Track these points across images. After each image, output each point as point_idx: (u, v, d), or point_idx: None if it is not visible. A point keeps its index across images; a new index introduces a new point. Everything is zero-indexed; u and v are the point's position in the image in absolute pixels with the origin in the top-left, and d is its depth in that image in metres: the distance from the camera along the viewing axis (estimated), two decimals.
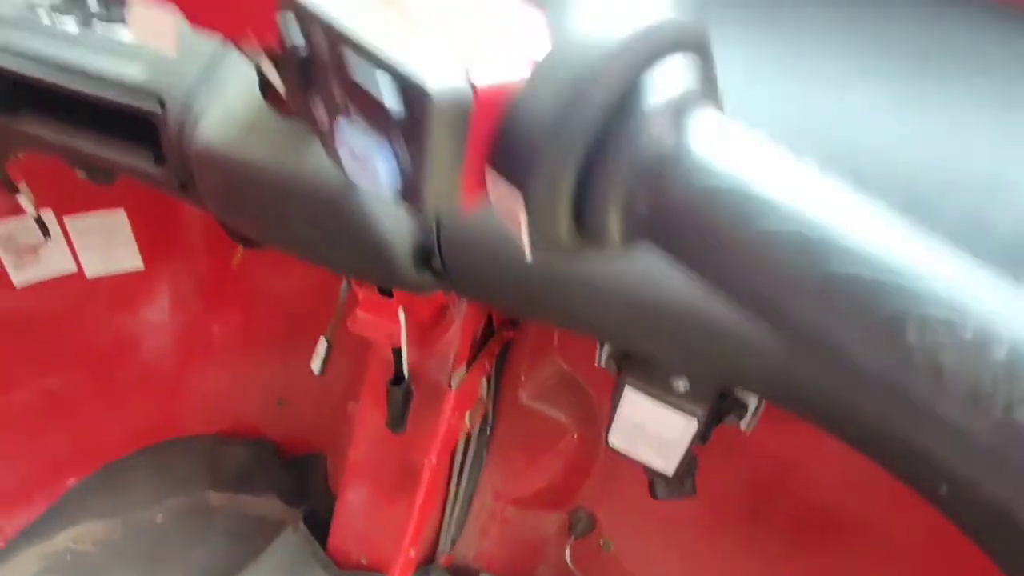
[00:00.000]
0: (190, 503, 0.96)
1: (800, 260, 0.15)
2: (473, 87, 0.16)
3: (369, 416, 0.74)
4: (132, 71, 0.45)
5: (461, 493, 0.80)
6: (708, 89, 0.17)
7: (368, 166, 0.17)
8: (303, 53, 0.19)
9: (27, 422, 0.89)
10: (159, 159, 0.47)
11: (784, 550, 0.75)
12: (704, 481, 0.61)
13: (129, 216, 0.86)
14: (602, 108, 0.16)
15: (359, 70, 0.17)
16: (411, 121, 0.16)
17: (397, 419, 0.70)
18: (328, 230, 0.39)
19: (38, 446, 0.91)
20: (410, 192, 0.17)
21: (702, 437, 0.48)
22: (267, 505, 0.95)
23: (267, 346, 0.96)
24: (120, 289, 0.90)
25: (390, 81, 0.16)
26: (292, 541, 0.84)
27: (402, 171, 0.17)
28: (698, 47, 0.17)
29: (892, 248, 0.14)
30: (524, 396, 0.84)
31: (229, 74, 0.42)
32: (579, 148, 0.16)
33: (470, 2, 0.18)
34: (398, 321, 0.58)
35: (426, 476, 0.68)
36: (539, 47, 0.17)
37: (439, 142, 0.16)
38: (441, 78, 0.16)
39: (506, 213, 0.17)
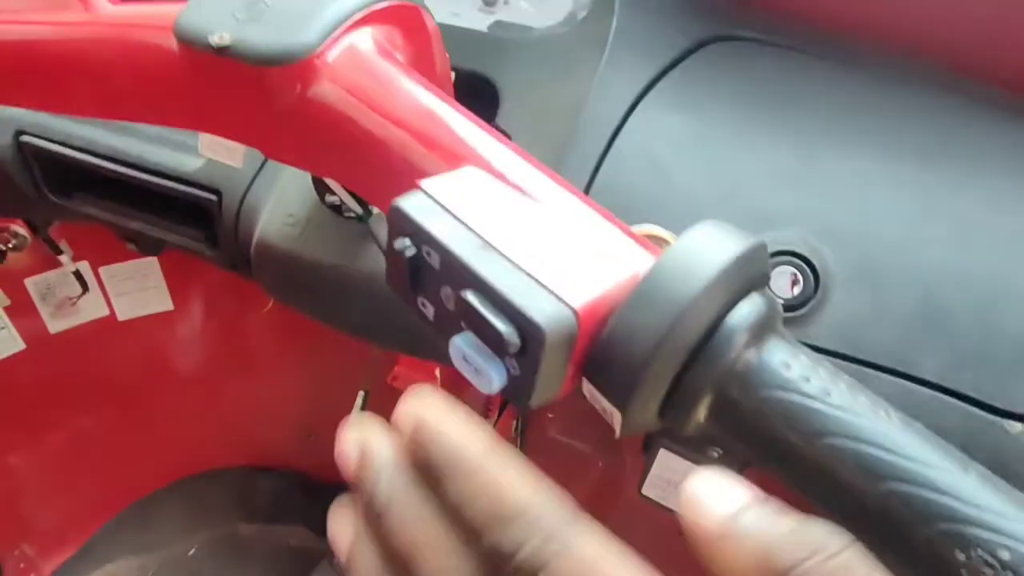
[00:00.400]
0: (222, 536, 0.98)
1: (856, 474, 0.17)
2: (575, 311, 0.19)
3: None
4: (189, 161, 0.48)
5: None
6: (777, 317, 0.20)
7: (481, 374, 0.19)
8: (410, 254, 0.21)
9: (62, 462, 0.92)
10: (212, 241, 0.50)
11: None
12: None
13: (161, 260, 0.88)
14: (696, 336, 0.19)
15: (475, 298, 0.19)
16: (524, 347, 0.18)
17: None
18: (384, 319, 0.42)
19: (72, 485, 0.93)
20: (518, 396, 0.20)
21: None
22: (299, 536, 0.97)
23: (295, 379, 0.99)
24: (150, 329, 0.93)
25: (503, 314, 0.19)
26: (328, 573, 0.86)
27: (512, 379, 0.19)
28: (768, 281, 0.20)
29: (940, 470, 0.17)
30: (552, 431, 0.86)
31: (286, 169, 0.44)
32: (673, 369, 0.19)
33: (562, 224, 0.21)
34: (435, 377, 0.60)
35: None
36: (636, 264, 0.20)
37: (549, 364, 0.19)
38: (548, 309, 0.19)
39: (600, 405, 0.20)
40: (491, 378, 0.19)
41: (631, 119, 0.41)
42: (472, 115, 0.27)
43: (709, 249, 0.19)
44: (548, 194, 0.23)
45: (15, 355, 0.82)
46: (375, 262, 0.40)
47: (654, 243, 0.26)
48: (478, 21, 0.49)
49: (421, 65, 0.36)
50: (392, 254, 0.22)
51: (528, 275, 0.19)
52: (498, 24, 0.48)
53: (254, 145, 0.33)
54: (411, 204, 0.21)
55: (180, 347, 0.95)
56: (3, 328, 0.80)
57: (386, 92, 0.27)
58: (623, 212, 0.39)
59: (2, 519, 0.89)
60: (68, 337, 0.85)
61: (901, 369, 0.34)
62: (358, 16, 0.29)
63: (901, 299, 0.35)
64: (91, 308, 0.84)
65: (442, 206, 0.21)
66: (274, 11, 0.28)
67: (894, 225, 0.36)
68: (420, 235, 0.21)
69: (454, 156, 0.25)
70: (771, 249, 0.36)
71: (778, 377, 0.19)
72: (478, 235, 0.20)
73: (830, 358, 0.35)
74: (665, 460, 0.50)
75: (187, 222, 0.51)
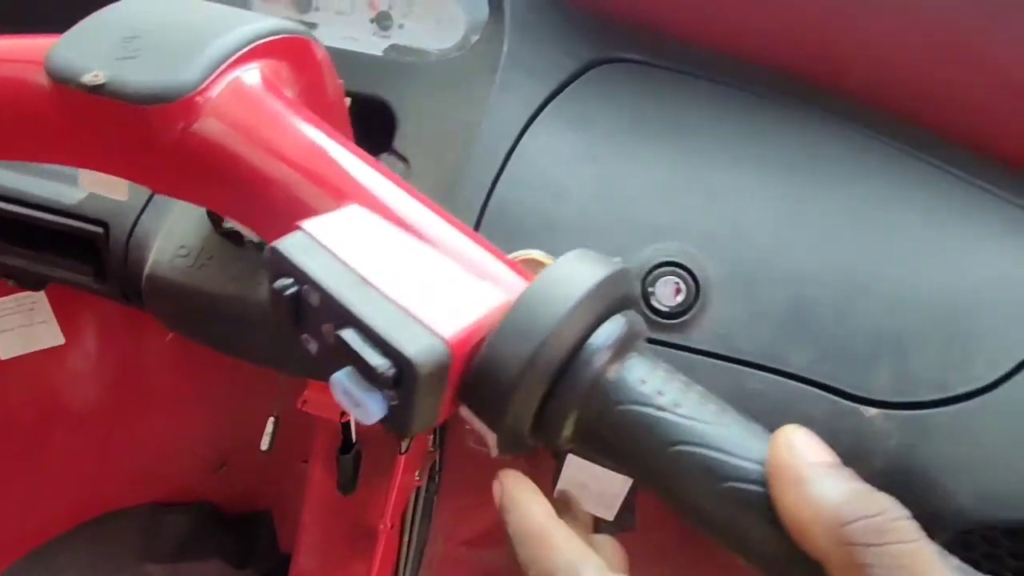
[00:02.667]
0: None
1: (701, 475, 0.20)
2: (446, 341, 0.20)
3: (320, 479, 0.75)
4: (72, 193, 0.46)
5: (414, 544, 0.83)
6: (638, 336, 0.22)
7: (361, 407, 0.20)
8: (290, 293, 0.22)
9: None
10: (100, 275, 0.48)
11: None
12: (644, 514, 0.67)
13: (49, 292, 0.83)
14: (560, 359, 0.20)
15: (351, 335, 0.20)
16: (400, 379, 0.19)
17: (348, 483, 0.72)
18: (288, 348, 0.42)
19: None
20: (398, 425, 0.21)
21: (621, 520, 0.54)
22: (213, 571, 0.93)
23: (202, 410, 0.95)
24: (40, 366, 0.87)
25: (377, 349, 0.20)
26: None
27: (391, 410, 0.20)
28: (633, 303, 0.22)
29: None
30: (470, 441, 0.87)
31: (176, 202, 0.43)
32: (540, 391, 0.20)
33: (433, 259, 0.22)
34: None
35: (382, 541, 0.70)
36: (509, 292, 0.21)
37: (424, 393, 0.20)
38: (420, 342, 0.20)
39: (476, 426, 0.21)
40: (370, 411, 0.20)
41: (523, 141, 0.43)
42: (358, 150, 0.28)
43: (573, 277, 0.21)
44: (429, 227, 0.24)
45: None
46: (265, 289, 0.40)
47: (534, 268, 0.28)
48: (373, 45, 0.49)
49: (312, 96, 0.36)
50: (273, 293, 0.22)
51: (402, 309, 0.20)
52: (393, 48, 0.49)
53: (137, 181, 0.33)
54: (289, 245, 0.22)
55: (75, 383, 0.90)
56: None
57: (271, 128, 0.28)
58: (517, 232, 0.41)
59: None
60: None
61: (772, 365, 0.37)
62: (242, 52, 0.29)
63: (772, 301, 0.38)
64: None
65: (321, 245, 0.22)
66: (154, 47, 0.28)
67: (765, 233, 0.40)
68: (298, 275, 0.21)
69: (338, 192, 0.26)
70: (656, 260, 0.39)
71: (634, 392, 0.21)
72: (355, 272, 0.21)
73: (710, 358, 0.38)
74: (574, 462, 0.53)
75: (71, 255, 0.48)
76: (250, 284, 0.40)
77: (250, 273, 0.40)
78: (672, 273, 0.38)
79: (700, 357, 0.38)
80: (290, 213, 0.27)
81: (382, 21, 0.49)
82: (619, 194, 0.41)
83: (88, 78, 0.27)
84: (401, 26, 0.50)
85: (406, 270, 0.22)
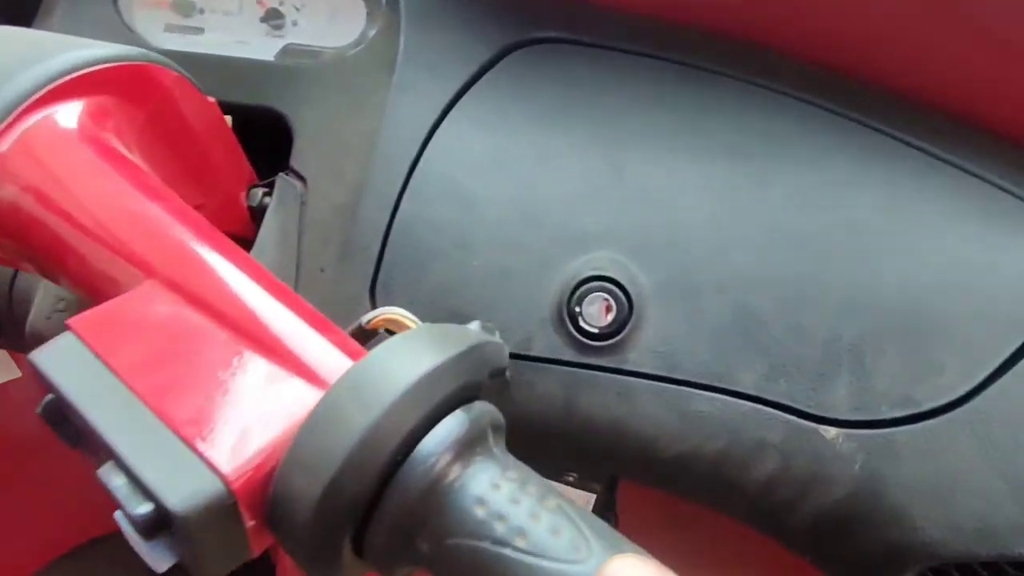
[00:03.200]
0: None
1: None
2: (226, 479, 0.16)
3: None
4: None
5: None
6: (481, 435, 0.18)
7: (146, 555, 0.16)
8: (51, 411, 0.18)
9: None
10: None
11: (707, 546, 0.79)
12: (625, 495, 0.63)
13: None
14: (367, 486, 0.16)
15: (111, 475, 0.16)
16: (169, 526, 0.15)
17: None
18: None
19: None
20: (195, 570, 0.16)
21: (607, 505, 0.50)
22: None
23: None
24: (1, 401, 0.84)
25: (139, 492, 0.15)
26: None
27: (181, 555, 0.16)
28: (476, 391, 0.18)
29: None
30: None
31: None
32: (346, 525, 0.16)
33: (219, 368, 0.18)
34: None
35: None
36: (299, 409, 0.17)
37: (209, 539, 0.15)
38: (189, 486, 0.15)
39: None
40: (154, 560, 0.16)
41: (429, 148, 0.38)
42: (176, 205, 0.24)
43: (391, 371, 0.16)
44: (238, 306, 0.20)
45: None
46: None
47: (395, 327, 0.23)
48: (266, 47, 0.44)
49: (162, 128, 0.31)
50: (41, 410, 0.18)
51: (175, 437, 0.16)
52: (287, 50, 0.44)
53: None
54: (47, 355, 0.18)
55: (34, 415, 0.87)
56: None
57: (66, 188, 0.23)
58: (426, 255, 0.36)
59: None
60: None
61: (719, 385, 0.33)
62: (38, 95, 0.25)
63: (715, 311, 0.34)
64: None
65: (89, 351, 0.18)
66: None
67: (704, 233, 0.35)
68: (56, 394, 0.17)
69: (141, 263, 0.21)
70: (582, 275, 0.34)
71: (469, 523, 0.16)
72: (124, 388, 0.17)
73: (650, 380, 0.34)
74: None
75: None
76: None
77: None
78: (601, 289, 0.34)
79: (638, 380, 0.34)
80: (98, 288, 0.23)
81: (272, 20, 0.44)
82: (538, 201, 0.36)
83: None
84: (295, 23, 0.44)
85: (194, 375, 0.17)
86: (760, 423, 0.33)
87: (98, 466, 0.18)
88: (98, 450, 0.17)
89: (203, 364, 0.18)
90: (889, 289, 0.32)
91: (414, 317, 0.23)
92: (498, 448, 0.18)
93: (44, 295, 0.38)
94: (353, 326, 0.24)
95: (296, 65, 0.42)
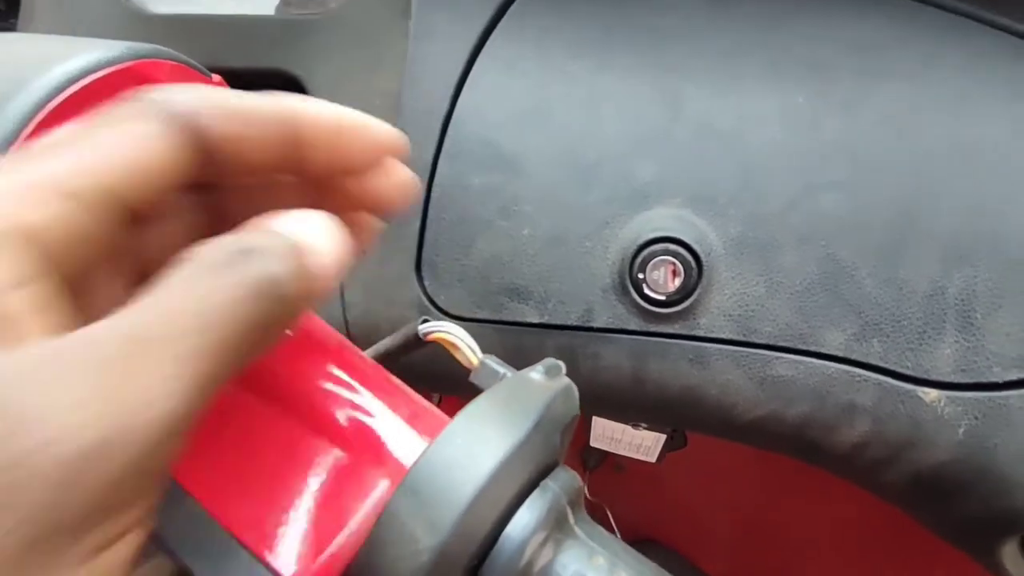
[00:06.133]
0: None
1: None
2: None
3: None
4: None
5: None
6: (566, 513, 0.16)
7: None
8: None
9: None
10: None
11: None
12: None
13: None
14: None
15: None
16: None
17: None
18: None
19: None
20: None
21: (672, 442, 0.49)
22: None
23: None
24: None
25: None
26: None
27: None
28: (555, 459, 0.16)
29: None
30: None
31: None
32: None
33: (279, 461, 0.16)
34: None
35: None
36: (369, 500, 0.15)
37: None
38: None
39: None
40: None
41: (460, 102, 0.34)
42: None
43: (463, 467, 0.15)
44: (292, 383, 0.18)
45: None
46: None
47: (451, 349, 0.21)
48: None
49: None
50: None
51: (239, 545, 0.15)
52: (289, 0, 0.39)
53: None
54: None
55: None
56: None
57: None
58: (470, 224, 0.33)
59: None
60: None
61: (802, 347, 0.30)
62: (31, 128, 0.22)
63: (797, 266, 0.30)
64: None
65: None
66: None
67: (781, 174, 0.31)
68: None
69: None
70: (644, 238, 0.31)
71: None
72: (178, 485, 0.16)
73: (725, 345, 0.31)
74: (600, 423, 0.48)
75: None
76: None
77: None
78: (665, 252, 0.30)
79: (711, 345, 0.31)
80: None
81: None
82: (588, 153, 0.32)
83: None
84: None
85: (248, 466, 0.16)
86: (849, 386, 0.30)
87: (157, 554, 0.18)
88: (158, 543, 0.17)
89: (257, 453, 0.17)
90: (1011, 232, 0.27)
91: (475, 345, 0.20)
92: (580, 524, 0.17)
93: None
94: (408, 331, 0.22)
95: (301, 18, 0.38)
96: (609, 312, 0.32)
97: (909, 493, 0.31)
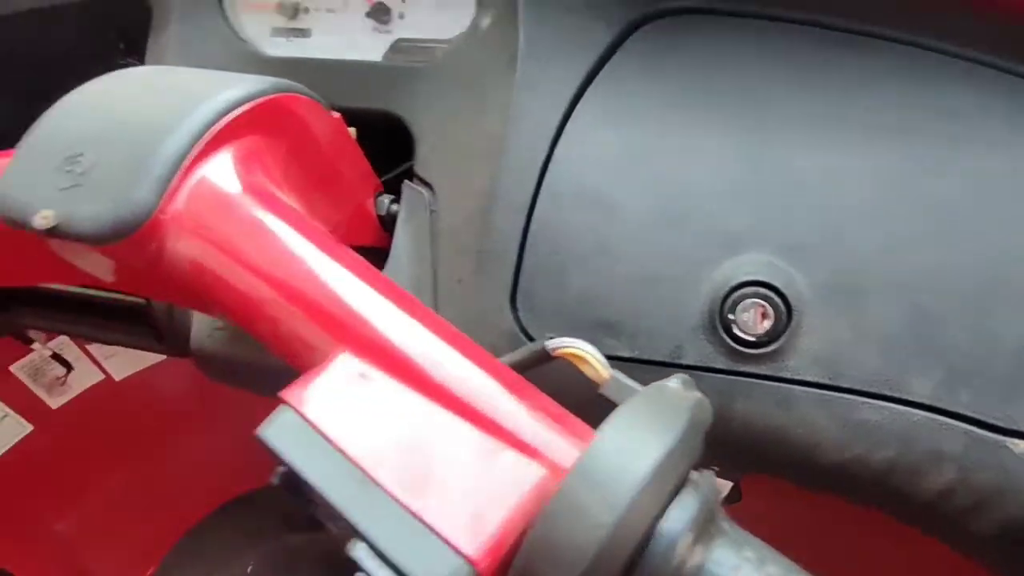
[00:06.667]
0: (274, 549, 1.02)
1: None
2: (472, 561, 0.16)
3: None
4: None
5: None
6: (716, 508, 0.17)
7: None
8: (290, 485, 0.19)
9: (106, 516, 0.95)
10: (158, 339, 0.47)
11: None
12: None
13: None
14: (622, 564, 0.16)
15: (360, 552, 0.17)
16: None
17: None
18: None
19: (122, 534, 0.96)
20: None
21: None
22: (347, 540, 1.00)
23: None
24: (153, 377, 0.93)
25: (393, 573, 0.16)
26: None
27: None
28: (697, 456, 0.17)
29: None
30: None
31: None
32: None
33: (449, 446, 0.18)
34: None
35: None
36: (527, 486, 0.17)
37: None
38: (440, 568, 0.16)
39: None
40: None
41: (559, 147, 0.36)
42: (353, 260, 0.24)
43: (627, 458, 0.16)
44: (441, 373, 0.20)
45: (26, 437, 0.83)
46: None
47: (578, 363, 0.23)
48: (374, 44, 0.43)
49: (301, 153, 0.31)
50: (278, 479, 0.19)
51: (415, 518, 0.17)
52: (397, 46, 0.43)
53: (134, 293, 0.30)
54: (275, 433, 0.19)
55: (189, 386, 0.95)
56: (5, 416, 0.81)
57: (248, 249, 0.24)
58: (566, 263, 0.35)
59: None
60: (72, 407, 0.85)
61: (889, 393, 0.31)
62: (201, 146, 0.25)
63: (885, 314, 0.31)
64: (84, 378, 0.84)
65: (312, 426, 0.19)
66: (100, 165, 0.24)
67: (869, 226, 0.32)
68: (292, 472, 0.18)
69: (331, 329, 0.22)
70: (734, 281, 0.32)
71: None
72: (356, 466, 0.18)
73: (811, 388, 0.32)
74: None
75: (129, 320, 0.48)
76: None
77: None
78: (756, 295, 0.32)
79: (798, 388, 0.32)
80: (287, 347, 0.24)
81: (379, 15, 0.43)
82: (681, 199, 0.34)
83: (38, 221, 0.24)
84: (402, 16, 0.43)
85: (414, 451, 0.18)
86: (936, 433, 0.30)
87: (335, 531, 0.19)
88: (334, 519, 0.18)
89: (424, 441, 0.18)
90: None
91: (603, 359, 0.22)
92: (726, 521, 0.18)
93: (201, 318, 0.41)
94: (535, 346, 0.24)
95: (409, 65, 0.41)
96: (698, 350, 0.33)
97: (996, 544, 0.31)
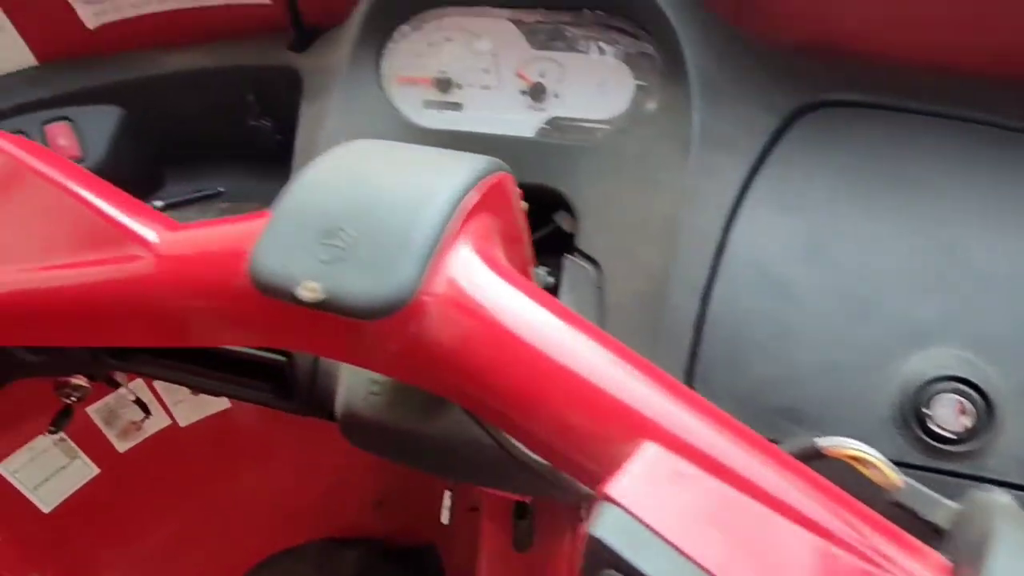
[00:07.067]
0: None
1: None
2: None
3: (493, 534, 0.74)
4: None
5: None
6: None
7: None
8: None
9: (157, 565, 0.92)
10: (283, 394, 0.47)
11: None
12: None
13: None
14: None
15: None
16: None
17: (523, 541, 0.70)
18: (455, 468, 0.40)
19: None
20: None
21: None
22: None
23: (357, 454, 0.97)
24: (213, 424, 0.92)
25: None
26: None
27: None
28: None
29: None
30: None
31: None
32: None
33: None
34: None
35: None
36: None
37: None
38: None
39: None
40: None
41: (733, 231, 0.37)
42: (610, 339, 0.24)
43: None
44: (742, 464, 0.19)
45: (92, 480, 0.82)
46: (450, 423, 0.38)
47: (859, 466, 0.22)
48: (528, 121, 0.44)
49: (508, 231, 0.32)
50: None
51: None
52: (553, 124, 0.44)
53: (347, 362, 0.30)
54: (611, 532, 0.18)
55: (245, 437, 0.94)
56: (75, 458, 0.80)
57: (522, 335, 0.23)
58: (745, 346, 0.35)
59: None
60: (137, 452, 0.84)
61: None
62: (454, 223, 0.25)
63: None
64: (154, 422, 0.83)
65: (644, 526, 0.18)
66: (361, 242, 0.24)
67: None
68: (630, 572, 0.18)
69: (635, 423, 0.21)
70: (930, 375, 0.32)
71: None
72: (695, 565, 0.17)
73: (1014, 490, 0.31)
74: None
75: (250, 375, 0.48)
76: (451, 417, 0.38)
77: (428, 408, 0.38)
78: (953, 390, 0.32)
79: (1000, 488, 0.31)
80: (567, 439, 0.23)
81: (536, 93, 0.44)
82: (862, 285, 0.34)
83: (304, 293, 0.24)
84: (557, 95, 0.44)
85: (756, 555, 0.17)
86: None
87: None
88: None
89: (765, 543, 0.18)
90: None
91: (883, 458, 0.22)
92: None
93: (354, 379, 0.40)
94: (803, 444, 0.23)
95: (568, 143, 0.42)
96: (888, 443, 0.32)
97: None
